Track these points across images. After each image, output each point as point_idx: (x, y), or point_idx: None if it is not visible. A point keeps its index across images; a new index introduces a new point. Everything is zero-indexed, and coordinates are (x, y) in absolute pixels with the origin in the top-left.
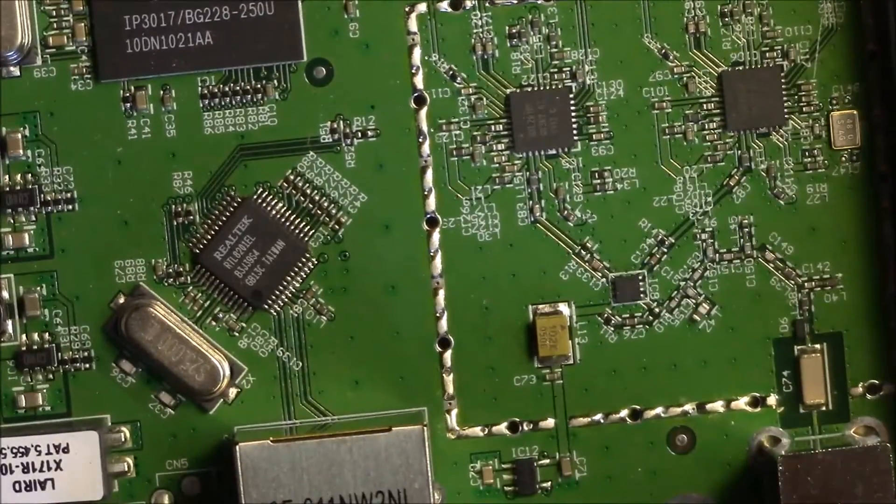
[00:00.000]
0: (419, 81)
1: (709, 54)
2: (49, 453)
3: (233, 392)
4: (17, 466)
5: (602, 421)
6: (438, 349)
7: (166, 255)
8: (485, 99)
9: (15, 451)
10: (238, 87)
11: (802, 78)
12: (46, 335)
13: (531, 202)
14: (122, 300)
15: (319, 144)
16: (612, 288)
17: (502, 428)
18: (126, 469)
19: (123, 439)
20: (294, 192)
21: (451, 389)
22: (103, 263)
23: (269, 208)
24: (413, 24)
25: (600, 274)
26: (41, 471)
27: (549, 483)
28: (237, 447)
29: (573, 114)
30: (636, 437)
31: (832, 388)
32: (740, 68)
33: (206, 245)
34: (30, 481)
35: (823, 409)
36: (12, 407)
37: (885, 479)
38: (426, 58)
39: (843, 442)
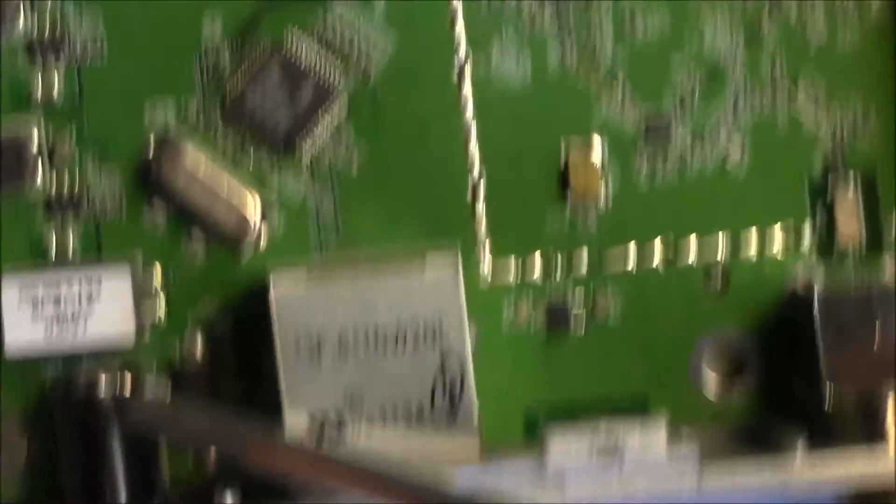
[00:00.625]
0: None
1: None
2: (81, 291)
3: (265, 236)
4: (49, 302)
5: (635, 262)
6: (471, 190)
7: (197, 101)
8: None
9: (47, 286)
10: None
11: None
12: (77, 181)
13: (563, 43)
14: (152, 145)
15: None
16: (644, 129)
17: (535, 269)
18: (157, 312)
19: (155, 283)
20: (325, 37)
21: (482, 229)
22: (133, 109)
23: (299, 54)
24: None
25: (632, 115)
26: (74, 307)
27: (584, 324)
28: (270, 285)
29: None
30: (670, 278)
31: (866, 222)
32: None
33: (237, 91)
34: (61, 319)
35: (858, 242)
36: (43, 254)
37: None
38: None
39: (879, 275)
